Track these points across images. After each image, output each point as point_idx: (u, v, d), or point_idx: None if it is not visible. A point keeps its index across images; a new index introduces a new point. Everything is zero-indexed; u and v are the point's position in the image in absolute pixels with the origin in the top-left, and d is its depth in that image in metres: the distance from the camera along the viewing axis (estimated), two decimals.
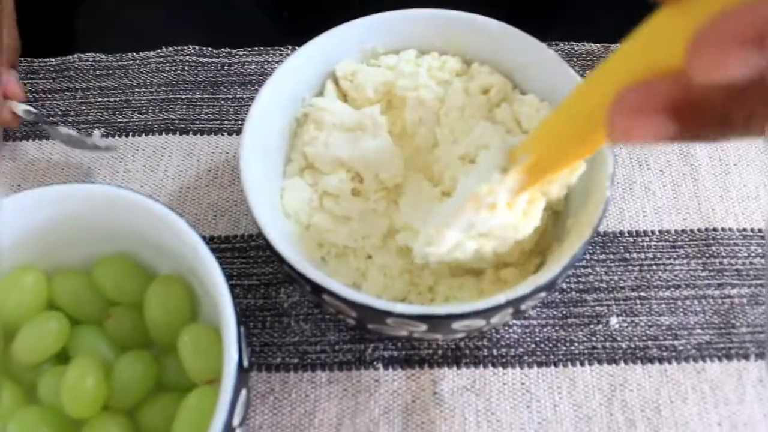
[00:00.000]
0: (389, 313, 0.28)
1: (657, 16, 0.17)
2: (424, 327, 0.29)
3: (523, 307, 0.30)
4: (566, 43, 0.47)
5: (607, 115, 0.18)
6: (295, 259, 0.29)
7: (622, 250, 0.39)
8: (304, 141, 0.36)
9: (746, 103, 0.16)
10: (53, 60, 0.48)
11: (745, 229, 0.40)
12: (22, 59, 0.48)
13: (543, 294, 0.30)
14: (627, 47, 0.19)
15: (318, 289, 0.29)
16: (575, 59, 0.47)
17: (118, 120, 0.45)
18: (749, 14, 0.13)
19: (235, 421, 0.27)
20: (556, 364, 0.36)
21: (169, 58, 0.48)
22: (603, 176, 0.31)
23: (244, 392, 0.28)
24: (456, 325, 0.29)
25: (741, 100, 0.16)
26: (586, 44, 0.47)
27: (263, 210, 0.31)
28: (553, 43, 0.47)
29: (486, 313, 0.28)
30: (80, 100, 0.46)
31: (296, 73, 0.36)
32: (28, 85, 0.47)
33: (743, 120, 0.16)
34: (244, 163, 0.32)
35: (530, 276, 0.31)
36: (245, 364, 0.29)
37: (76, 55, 0.48)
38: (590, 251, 0.39)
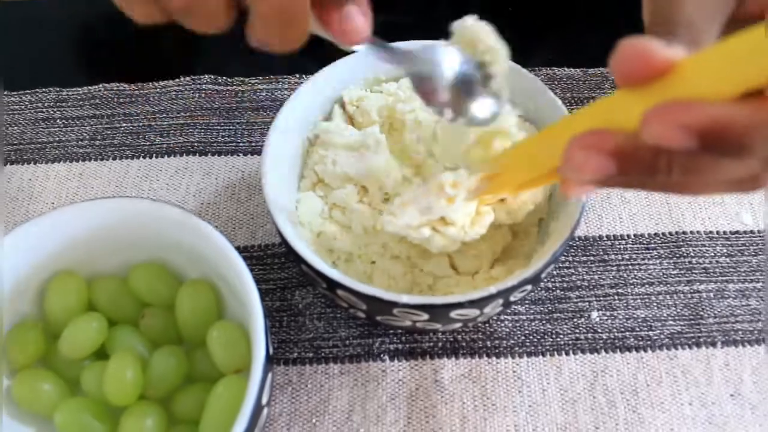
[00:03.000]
0: (395, 304, 0.32)
1: (617, 93, 0.23)
2: (425, 316, 0.33)
3: (511, 298, 0.34)
4: (548, 68, 0.52)
5: (566, 148, 0.23)
6: (314, 260, 0.33)
7: (602, 253, 0.44)
8: (315, 161, 0.40)
9: (668, 154, 0.22)
10: (80, 89, 0.52)
11: (711, 232, 0.44)
12: (51, 89, 0.52)
13: (529, 287, 0.34)
14: (590, 109, 0.25)
15: (333, 285, 0.33)
16: (556, 83, 0.51)
17: (142, 143, 0.49)
18: (692, 110, 0.19)
19: (264, 400, 0.31)
20: (543, 354, 0.40)
21: (187, 86, 0.52)
22: None
23: (270, 376, 0.32)
24: (453, 313, 0.33)
25: (665, 153, 0.22)
26: (566, 69, 0.52)
27: (282, 219, 0.35)
28: (536, 68, 0.52)
29: (479, 302, 0.32)
30: (106, 126, 0.50)
31: (308, 98, 0.40)
32: (57, 112, 0.51)
33: (665, 167, 0.22)
34: (266, 180, 0.36)
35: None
36: (270, 351, 0.33)
37: (101, 85, 0.52)
38: (573, 254, 0.44)
